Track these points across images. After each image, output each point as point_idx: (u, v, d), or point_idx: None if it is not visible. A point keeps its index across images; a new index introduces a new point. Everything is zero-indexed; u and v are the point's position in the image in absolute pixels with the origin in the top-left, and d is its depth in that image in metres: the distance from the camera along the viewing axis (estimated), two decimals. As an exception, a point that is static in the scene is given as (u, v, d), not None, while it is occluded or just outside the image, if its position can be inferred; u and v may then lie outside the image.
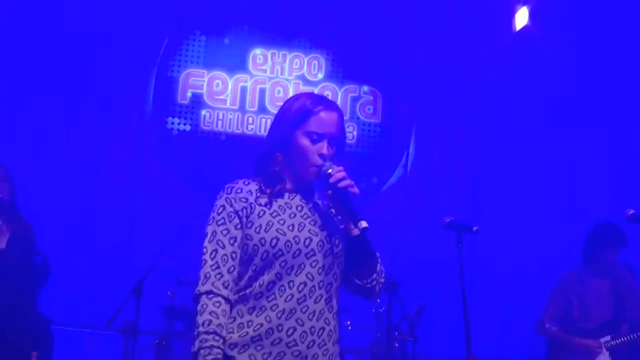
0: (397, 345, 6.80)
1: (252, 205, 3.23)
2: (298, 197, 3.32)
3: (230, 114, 9.03)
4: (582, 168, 9.14)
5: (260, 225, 3.19)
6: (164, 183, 8.71)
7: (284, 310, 3.14)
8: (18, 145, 8.50)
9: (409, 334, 7.11)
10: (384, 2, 9.16)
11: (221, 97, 9.07)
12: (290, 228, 3.20)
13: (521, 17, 8.51)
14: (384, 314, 6.93)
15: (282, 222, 3.21)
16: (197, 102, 9.04)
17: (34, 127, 8.67)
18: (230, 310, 3.17)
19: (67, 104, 8.70)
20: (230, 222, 3.21)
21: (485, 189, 9.15)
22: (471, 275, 8.68)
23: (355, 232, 3.20)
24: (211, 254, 3.19)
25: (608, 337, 6.53)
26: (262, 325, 3.14)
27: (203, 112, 9.02)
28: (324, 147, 3.24)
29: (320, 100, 3.36)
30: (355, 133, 9.14)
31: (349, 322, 6.98)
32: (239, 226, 3.21)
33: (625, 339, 6.48)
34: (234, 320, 3.17)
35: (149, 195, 8.65)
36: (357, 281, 3.28)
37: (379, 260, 3.29)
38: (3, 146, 8.22)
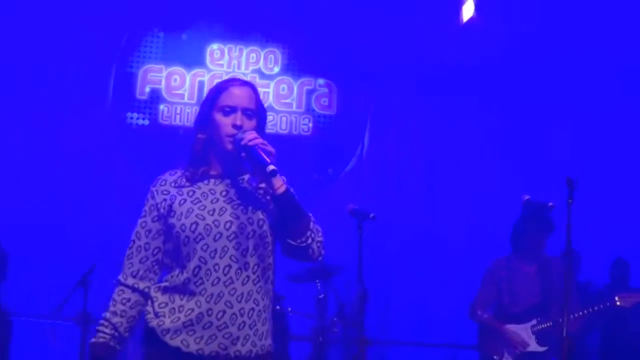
0: (336, 330, 6.94)
1: (174, 195, 3.34)
2: (224, 182, 3.39)
3: (188, 109, 9.24)
4: (528, 157, 9.27)
5: (182, 213, 3.28)
6: (122, 176, 8.89)
7: (212, 294, 3.22)
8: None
9: (350, 319, 7.30)
10: (336, -2, 9.34)
11: (179, 91, 9.28)
12: (211, 213, 3.28)
13: (468, 9, 8.69)
14: (327, 300, 7.08)
15: (202, 207, 3.29)
16: (156, 97, 9.25)
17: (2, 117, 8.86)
18: (143, 296, 3.33)
19: (26, 99, 8.90)
20: (149, 215, 3.38)
21: (438, 179, 9.32)
22: (419, 260, 8.98)
23: (280, 190, 3.24)
24: (130, 245, 3.40)
25: (534, 321, 6.63)
26: (192, 310, 3.23)
27: (161, 106, 9.24)
28: (237, 118, 3.32)
29: (231, 79, 3.54)
30: (310, 125, 9.34)
31: (290, 308, 7.14)
32: (156, 219, 3.35)
33: (551, 323, 6.61)
34: (166, 305, 3.27)
35: (107, 189, 8.83)
36: (291, 241, 3.28)
37: (313, 219, 3.32)
38: None
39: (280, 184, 3.23)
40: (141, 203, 7.69)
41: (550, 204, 4.24)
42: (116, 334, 3.30)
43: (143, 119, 9.21)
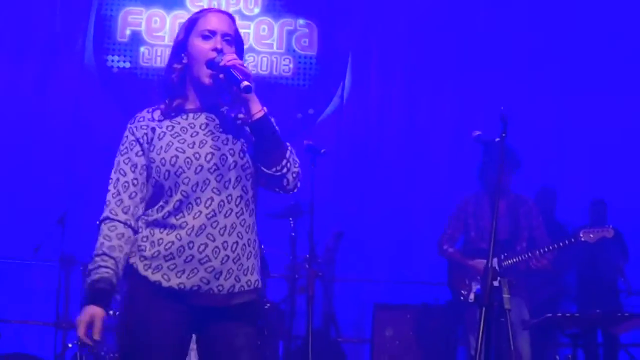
0: (307, 267, 7.04)
1: (154, 129, 3.29)
2: (204, 115, 3.32)
3: (169, 50, 9.21)
4: (508, 101, 9.25)
5: (161, 147, 3.24)
6: (104, 118, 8.94)
7: (193, 227, 3.18)
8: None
9: (323, 257, 7.43)
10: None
11: (159, 33, 9.30)
12: (191, 146, 3.23)
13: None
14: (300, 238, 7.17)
15: (182, 141, 3.24)
16: (136, 39, 9.26)
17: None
18: (135, 233, 3.24)
19: (8, 43, 8.96)
20: (131, 150, 3.29)
21: (418, 119, 9.34)
22: (398, 200, 9.06)
23: (257, 115, 3.18)
24: (114, 183, 3.29)
25: (502, 257, 6.68)
26: (173, 243, 3.18)
27: (142, 49, 9.26)
28: (217, 41, 3.28)
29: (209, 8, 3.55)
30: (291, 66, 9.35)
31: (262, 246, 7.23)
32: (140, 153, 3.28)
33: (519, 258, 6.68)
34: (147, 239, 3.22)
35: (89, 130, 8.92)
36: (266, 170, 3.22)
37: (290, 149, 3.26)
38: None
39: (257, 109, 3.18)
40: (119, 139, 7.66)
41: (497, 139, 4.24)
42: (117, 270, 3.19)
43: (124, 61, 9.24)
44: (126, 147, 3.33)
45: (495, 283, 3.97)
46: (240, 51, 3.39)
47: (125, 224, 3.25)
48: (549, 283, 7.78)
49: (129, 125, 3.37)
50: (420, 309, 7.50)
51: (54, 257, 7.37)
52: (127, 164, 3.30)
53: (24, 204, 8.70)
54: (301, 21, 9.43)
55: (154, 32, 9.28)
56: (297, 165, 3.27)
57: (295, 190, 3.30)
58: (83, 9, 9.18)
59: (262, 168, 3.23)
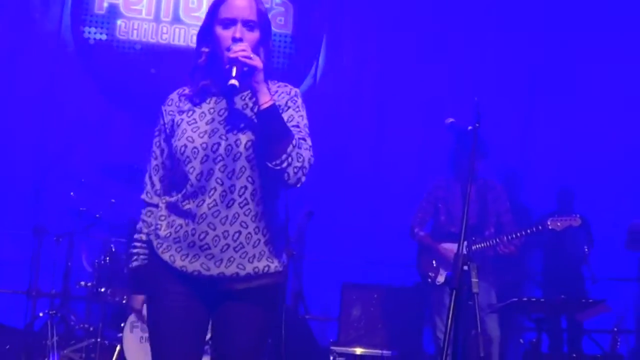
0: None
1: (175, 115, 3.39)
2: (225, 100, 3.36)
3: (146, 24, 9.29)
4: (480, 86, 9.34)
5: (177, 134, 3.33)
6: (80, 90, 9.00)
7: (196, 215, 3.27)
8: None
9: (295, 237, 7.54)
10: None
11: (137, 7, 9.33)
12: (201, 135, 3.29)
13: None
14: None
15: (195, 129, 3.32)
16: (114, 12, 9.28)
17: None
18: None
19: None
20: (160, 135, 3.45)
21: (392, 101, 9.44)
22: (369, 181, 9.15)
23: (264, 106, 3.18)
24: (149, 164, 3.49)
25: (470, 241, 6.84)
26: (181, 226, 3.31)
27: (119, 22, 9.29)
28: (236, 30, 3.29)
29: None
30: (266, 44, 9.40)
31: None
32: (165, 139, 3.42)
33: (486, 244, 6.82)
34: (164, 218, 3.39)
35: (65, 102, 8.96)
36: (268, 163, 3.20)
37: (295, 143, 3.21)
38: None
39: (266, 99, 3.18)
40: (97, 115, 7.67)
41: (470, 127, 4.33)
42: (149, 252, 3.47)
43: (101, 33, 9.26)
44: (158, 130, 3.48)
45: (465, 267, 4.06)
46: (265, 34, 3.41)
47: (157, 206, 3.47)
48: (514, 267, 7.92)
49: (161, 108, 3.48)
50: (388, 289, 7.64)
51: (27, 227, 7.44)
52: (157, 147, 3.47)
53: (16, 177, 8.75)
54: (277, 0, 9.50)
55: (132, 5, 9.31)
56: (300, 159, 3.23)
57: (299, 185, 3.25)
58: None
59: (266, 162, 3.21)
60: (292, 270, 7.57)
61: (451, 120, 4.51)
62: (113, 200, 7.20)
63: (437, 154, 8.57)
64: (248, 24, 3.33)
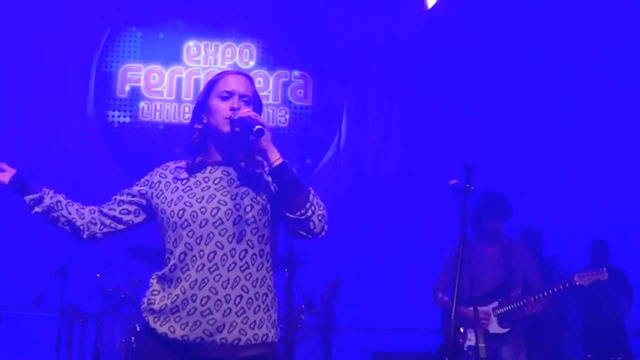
0: (304, 318, 7.09)
1: (169, 182, 3.46)
2: (220, 169, 3.44)
3: (168, 105, 9.46)
4: (508, 150, 9.36)
5: (172, 200, 3.38)
6: (105, 172, 9.10)
7: (196, 280, 3.26)
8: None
9: (320, 307, 7.47)
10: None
11: (158, 89, 9.51)
12: (199, 200, 3.35)
13: (431, -4, 8.85)
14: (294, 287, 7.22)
15: (192, 195, 3.37)
16: (136, 95, 9.49)
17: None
18: (80, 231, 3.58)
19: (8, 100, 9.16)
20: (139, 185, 3.56)
21: (416, 164, 9.41)
22: (395, 249, 9.10)
23: (276, 162, 3.23)
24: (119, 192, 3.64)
25: (496, 304, 6.75)
26: (178, 296, 3.28)
27: (141, 104, 9.48)
28: (234, 101, 3.40)
29: (227, 70, 3.65)
30: (287, 117, 9.52)
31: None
32: (143, 192, 3.52)
33: (514, 305, 6.70)
34: (158, 293, 3.37)
35: (91, 184, 9.02)
36: (291, 215, 3.24)
37: (313, 193, 3.28)
38: None
39: (276, 157, 3.24)
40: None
41: (472, 188, 4.35)
42: (47, 196, 3.66)
43: (124, 116, 9.45)
44: (140, 181, 3.59)
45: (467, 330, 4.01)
46: (258, 111, 3.48)
47: (90, 211, 3.60)
48: (552, 325, 7.79)
49: (155, 168, 3.58)
50: (419, 356, 7.53)
51: (54, 308, 7.48)
52: (128, 190, 3.59)
53: (25, 254, 8.85)
54: (296, 73, 9.62)
55: (153, 87, 9.50)
56: (322, 208, 3.30)
57: (323, 233, 3.31)
58: (84, 66, 9.36)
59: (288, 214, 3.26)
60: (320, 342, 7.52)
61: (454, 181, 4.49)
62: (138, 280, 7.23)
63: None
64: (243, 98, 3.44)
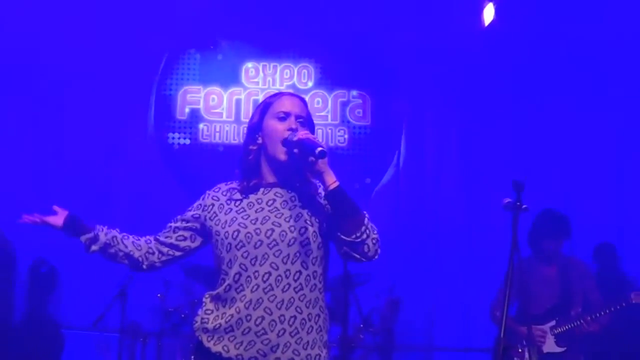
0: (362, 337, 7.07)
1: (222, 204, 3.50)
2: (273, 191, 3.48)
3: (227, 126, 9.52)
4: (574, 165, 9.22)
5: (226, 221, 3.42)
6: (167, 194, 9.18)
7: (251, 300, 3.30)
8: (32, 161, 9.23)
9: (379, 327, 7.44)
10: (365, 10, 9.46)
11: (217, 110, 9.59)
12: (253, 221, 3.38)
13: (488, 13, 8.76)
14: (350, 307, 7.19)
15: (246, 216, 3.40)
16: (195, 116, 9.58)
17: (44, 142, 9.32)
18: (140, 263, 3.62)
19: (73, 125, 9.31)
20: (193, 210, 3.60)
21: (475, 183, 9.33)
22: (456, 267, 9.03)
23: (333, 185, 3.26)
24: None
25: (553, 322, 6.67)
26: (232, 316, 3.32)
27: (201, 125, 9.56)
28: (292, 122, 3.44)
29: (283, 92, 3.72)
30: (346, 136, 9.51)
31: None
32: (197, 216, 3.55)
33: (571, 324, 6.61)
34: (212, 312, 3.41)
35: (153, 206, 9.14)
36: (346, 237, 3.26)
37: (367, 216, 3.30)
38: (15, 168, 8.98)
39: (332, 180, 3.26)
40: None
41: (524, 206, 4.30)
42: (102, 233, 3.65)
43: (184, 138, 9.55)
44: (193, 206, 3.63)
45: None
46: (311, 131, 3.52)
47: (146, 240, 3.65)
48: (620, 345, 7.63)
49: (207, 191, 3.63)
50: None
51: (115, 327, 7.56)
52: (182, 216, 3.63)
53: (87, 273, 8.95)
54: (354, 92, 9.62)
55: (212, 109, 9.57)
56: (375, 231, 3.32)
57: (377, 257, 3.33)
58: (144, 89, 9.52)
59: (342, 236, 3.28)
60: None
61: (508, 200, 4.45)
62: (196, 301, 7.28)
63: (521, 233, 8.43)
64: (299, 119, 3.49)
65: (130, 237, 3.66)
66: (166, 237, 3.62)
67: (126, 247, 3.61)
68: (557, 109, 9.26)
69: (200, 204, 3.57)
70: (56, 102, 9.30)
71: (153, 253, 3.61)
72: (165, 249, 3.61)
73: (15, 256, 7.09)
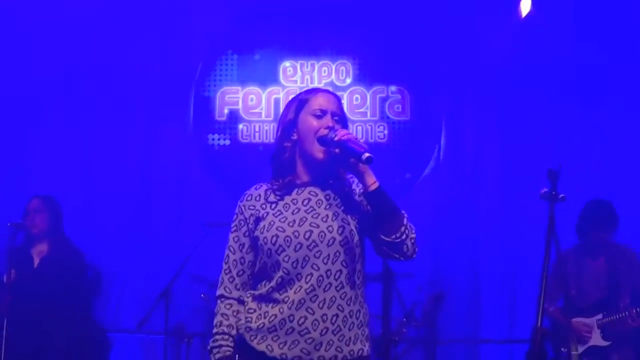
0: (405, 331, 7.07)
1: (258, 210, 3.48)
2: (307, 190, 3.49)
3: (266, 126, 9.54)
4: (614, 155, 9.11)
5: (264, 226, 3.42)
6: (208, 195, 9.27)
7: (293, 301, 3.34)
8: (75, 165, 9.42)
9: (422, 320, 7.41)
10: (401, 5, 9.46)
11: (256, 110, 9.60)
12: (291, 224, 3.39)
13: (525, 4, 8.70)
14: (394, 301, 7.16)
15: (283, 219, 3.41)
16: (234, 117, 9.61)
17: (91, 144, 9.50)
18: (244, 306, 3.49)
19: (114, 129, 9.45)
20: (239, 229, 3.53)
21: (514, 174, 9.24)
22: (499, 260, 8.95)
23: (374, 186, 3.30)
24: (225, 259, 3.57)
25: (600, 315, 6.60)
26: (276, 316, 3.36)
27: (240, 126, 9.58)
28: (328, 120, 3.45)
29: (318, 88, 3.73)
30: (386, 132, 9.47)
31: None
32: (247, 233, 3.51)
33: (618, 316, 6.53)
34: (254, 311, 3.44)
35: (194, 207, 9.21)
36: (386, 238, 3.30)
37: (406, 216, 3.34)
38: (57, 171, 9.17)
39: (372, 180, 3.30)
40: (226, 220, 7.94)
41: (561, 196, 4.26)
42: (234, 346, 3.47)
43: (224, 139, 9.59)
44: (236, 225, 3.56)
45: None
46: (345, 129, 3.50)
47: (238, 300, 3.52)
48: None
49: (239, 204, 3.59)
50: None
51: (160, 329, 7.62)
52: (236, 242, 3.55)
53: (129, 277, 9.07)
54: (393, 88, 9.56)
55: (251, 109, 9.59)
56: (413, 231, 3.36)
57: (414, 256, 3.38)
58: (183, 91, 9.60)
59: (382, 236, 3.33)
60: (423, 356, 7.47)
61: (545, 190, 4.42)
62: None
63: (565, 225, 8.35)
64: (335, 117, 3.50)
65: (231, 319, 3.53)
66: (243, 275, 3.55)
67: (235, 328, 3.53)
68: (597, 99, 9.14)
69: (242, 221, 3.54)
70: (97, 106, 9.43)
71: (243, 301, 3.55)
72: (251, 285, 3.56)
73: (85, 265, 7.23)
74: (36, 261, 6.90)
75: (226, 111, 9.62)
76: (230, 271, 3.55)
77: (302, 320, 3.34)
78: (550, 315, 6.77)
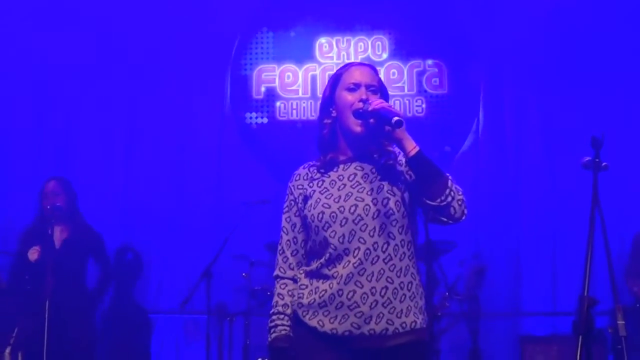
0: (447, 305, 7.06)
1: (306, 188, 3.53)
2: (352, 165, 3.52)
3: (304, 103, 9.51)
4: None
5: (311, 204, 3.47)
6: (248, 173, 9.30)
7: (342, 275, 3.36)
8: (114, 147, 9.55)
9: (464, 294, 7.40)
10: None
11: (293, 87, 9.58)
12: (336, 200, 3.42)
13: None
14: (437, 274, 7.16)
15: (329, 196, 3.45)
16: (271, 95, 9.60)
17: (129, 125, 9.63)
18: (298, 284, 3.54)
19: (153, 108, 9.55)
20: (290, 210, 3.60)
21: (554, 145, 9.16)
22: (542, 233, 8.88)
23: (413, 151, 3.28)
24: (280, 240, 3.63)
25: None
26: (326, 291, 3.39)
27: (278, 103, 9.57)
28: (362, 92, 3.45)
29: (352, 62, 3.75)
30: (424, 106, 9.40)
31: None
32: (297, 213, 3.57)
33: None
34: (306, 287, 3.47)
35: (233, 185, 9.24)
36: (431, 202, 3.30)
37: (450, 178, 3.33)
38: (98, 148, 9.35)
39: (412, 146, 3.29)
40: (264, 195, 7.98)
41: (604, 164, 4.19)
42: (290, 324, 3.52)
43: (262, 117, 9.59)
44: (287, 206, 3.63)
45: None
46: (385, 98, 3.53)
47: (293, 279, 3.57)
48: None
49: (289, 185, 3.63)
50: (567, 340, 7.35)
51: (202, 309, 7.67)
52: (288, 223, 3.61)
53: (169, 257, 9.13)
54: (430, 62, 9.49)
55: (288, 86, 9.58)
56: (460, 192, 3.35)
57: (464, 218, 3.37)
58: (220, 70, 9.64)
59: (427, 201, 3.32)
60: (466, 329, 7.46)
61: (587, 158, 4.35)
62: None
63: (610, 199, 8.27)
64: (371, 88, 3.49)
65: (286, 297, 3.57)
66: (297, 254, 3.59)
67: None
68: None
69: (292, 201, 3.60)
70: (135, 88, 9.51)
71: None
72: (303, 261, 3.60)
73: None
74: (57, 243, 6.95)
75: (263, 89, 9.62)
76: (284, 252, 3.60)
77: (350, 294, 3.35)
78: (636, 294, 6.71)
